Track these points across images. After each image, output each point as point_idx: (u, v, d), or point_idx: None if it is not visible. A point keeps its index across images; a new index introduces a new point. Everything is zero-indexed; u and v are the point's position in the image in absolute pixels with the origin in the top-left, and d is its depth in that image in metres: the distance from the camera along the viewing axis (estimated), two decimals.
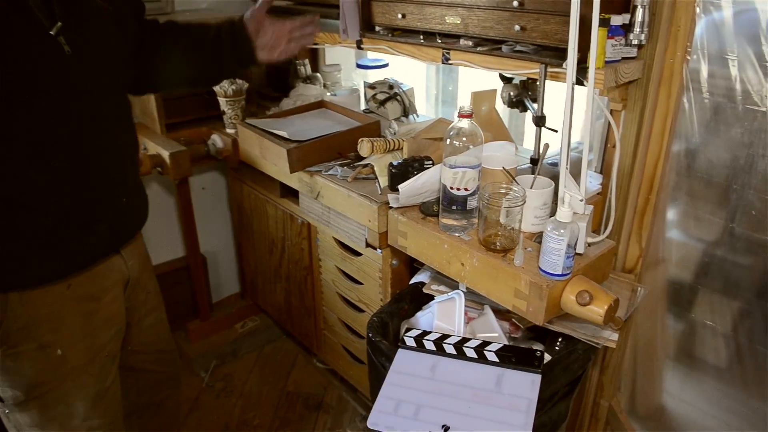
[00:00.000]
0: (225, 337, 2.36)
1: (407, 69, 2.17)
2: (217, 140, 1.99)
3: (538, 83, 1.47)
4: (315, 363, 2.25)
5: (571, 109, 1.15)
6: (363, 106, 2.05)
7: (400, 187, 1.34)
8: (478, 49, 1.45)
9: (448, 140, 1.22)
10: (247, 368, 2.26)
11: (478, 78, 1.96)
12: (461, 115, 1.20)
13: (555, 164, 1.52)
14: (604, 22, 1.20)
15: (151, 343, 1.37)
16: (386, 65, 2.06)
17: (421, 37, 1.60)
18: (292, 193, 1.85)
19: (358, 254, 1.65)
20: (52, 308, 1.09)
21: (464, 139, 1.21)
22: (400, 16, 1.63)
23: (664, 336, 1.61)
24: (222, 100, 1.93)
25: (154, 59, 1.30)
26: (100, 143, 1.10)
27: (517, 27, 1.36)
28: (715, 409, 1.52)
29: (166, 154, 1.81)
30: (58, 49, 1.00)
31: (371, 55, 2.15)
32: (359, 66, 2.11)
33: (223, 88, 1.90)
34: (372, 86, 1.96)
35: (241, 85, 1.93)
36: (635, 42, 1.32)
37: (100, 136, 1.10)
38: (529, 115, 1.68)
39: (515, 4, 1.34)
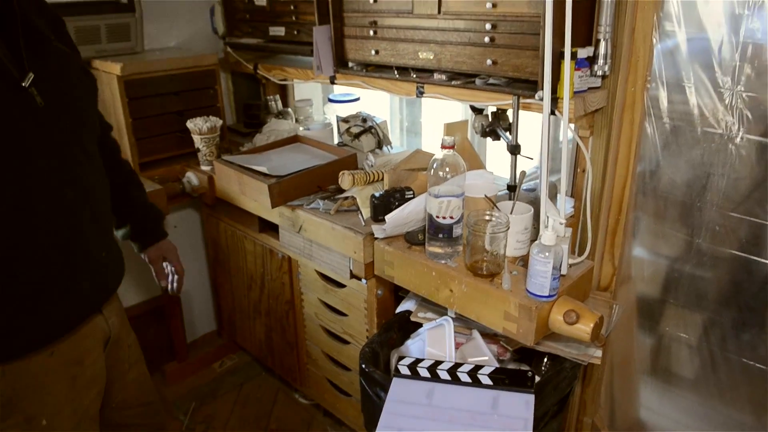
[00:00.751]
0: (203, 378, 2.31)
1: (373, 101, 2.23)
2: (192, 178, 1.98)
3: (508, 113, 1.54)
4: (297, 398, 2.23)
5: (548, 139, 1.22)
6: (336, 140, 2.09)
7: (387, 217, 1.37)
8: (453, 82, 1.51)
9: (432, 171, 1.26)
10: (228, 408, 2.21)
11: (441, 109, 2.04)
12: (444, 147, 1.25)
13: (528, 190, 1.59)
14: (573, 55, 1.28)
15: (135, 398, 1.32)
16: (357, 99, 2.11)
17: (396, 71, 1.65)
18: (271, 228, 1.86)
19: (342, 286, 1.67)
20: (36, 378, 1.04)
21: (447, 169, 1.25)
22: (373, 52, 1.68)
23: (639, 351, 1.67)
24: (197, 138, 1.93)
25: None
26: (79, 196, 1.06)
27: (489, 61, 1.43)
28: (691, 419, 1.58)
29: None
30: (31, 102, 0.96)
31: (341, 90, 2.20)
32: (331, 100, 2.15)
33: (198, 126, 1.91)
34: (345, 120, 2.00)
35: (215, 122, 1.94)
36: (600, 73, 1.40)
37: (77, 189, 1.06)
38: (491, 143, 1.75)
39: (486, 40, 1.42)
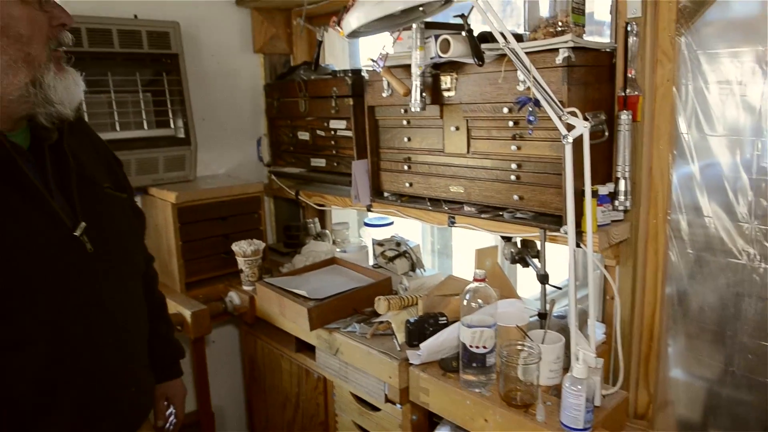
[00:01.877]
0: None
1: (407, 224, 2.34)
2: (234, 297, 2.08)
3: (536, 242, 1.62)
4: None
5: (574, 273, 1.29)
6: (371, 262, 2.19)
7: (422, 345, 1.43)
8: (482, 215, 1.61)
9: (465, 301, 1.33)
10: None
11: (472, 233, 2.13)
12: (476, 279, 1.33)
13: (559, 316, 1.63)
14: (594, 193, 1.38)
15: None
16: (391, 223, 2.23)
17: (428, 203, 1.78)
18: (307, 348, 1.92)
19: (377, 409, 1.69)
20: None
21: (479, 300, 1.32)
22: (407, 184, 1.82)
23: None
24: (240, 260, 2.05)
25: None
26: (114, 335, 1.10)
27: (515, 197, 1.53)
28: None
29: (187, 314, 1.90)
30: (81, 249, 1.03)
31: (376, 214, 2.32)
32: (366, 224, 2.28)
33: (242, 249, 2.04)
34: (380, 243, 2.11)
35: (258, 245, 2.07)
36: (621, 208, 1.50)
37: (114, 328, 1.10)
38: (521, 268, 1.81)
39: (513, 177, 1.53)
